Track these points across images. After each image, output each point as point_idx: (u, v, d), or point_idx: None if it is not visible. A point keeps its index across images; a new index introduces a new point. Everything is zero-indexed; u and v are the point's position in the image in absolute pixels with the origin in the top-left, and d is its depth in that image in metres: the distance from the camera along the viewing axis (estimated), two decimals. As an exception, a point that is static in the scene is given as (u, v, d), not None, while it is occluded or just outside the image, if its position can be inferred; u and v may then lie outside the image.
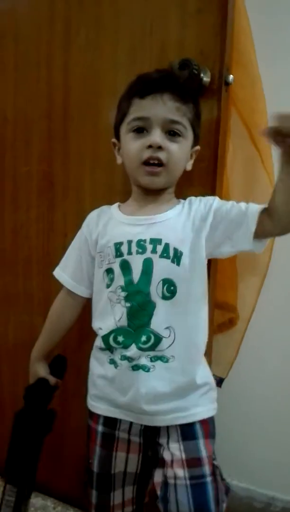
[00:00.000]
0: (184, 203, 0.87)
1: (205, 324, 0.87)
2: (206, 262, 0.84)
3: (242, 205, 0.81)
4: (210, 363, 1.11)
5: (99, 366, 0.87)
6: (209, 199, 0.85)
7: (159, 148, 0.79)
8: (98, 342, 0.87)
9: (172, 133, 0.80)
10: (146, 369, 0.80)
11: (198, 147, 0.88)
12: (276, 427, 1.19)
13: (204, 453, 0.81)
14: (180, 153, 0.81)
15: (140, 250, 0.81)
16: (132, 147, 0.81)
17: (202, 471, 0.79)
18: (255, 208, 0.79)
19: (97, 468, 0.88)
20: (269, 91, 1.03)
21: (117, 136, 0.88)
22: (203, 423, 0.84)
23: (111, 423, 0.87)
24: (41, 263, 1.23)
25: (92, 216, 0.94)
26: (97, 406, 0.88)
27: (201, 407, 0.84)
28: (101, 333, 0.85)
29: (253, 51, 1.00)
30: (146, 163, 0.80)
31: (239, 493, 1.23)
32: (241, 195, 1.06)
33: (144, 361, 0.80)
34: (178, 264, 0.80)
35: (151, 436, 0.85)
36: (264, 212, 0.78)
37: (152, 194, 0.86)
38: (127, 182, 1.06)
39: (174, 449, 0.81)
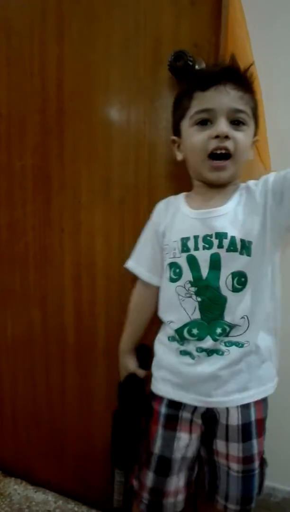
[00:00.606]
0: (241, 190, 0.84)
1: (277, 306, 0.88)
2: (281, 239, 0.82)
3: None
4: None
5: (169, 354, 0.88)
6: (263, 177, 0.82)
7: (226, 137, 0.78)
8: (170, 332, 0.87)
9: (236, 123, 0.79)
10: (220, 352, 0.82)
11: (257, 137, 0.87)
12: (275, 418, 1.19)
13: (256, 451, 0.87)
14: (246, 141, 0.81)
15: (206, 246, 0.81)
16: (197, 138, 0.80)
17: (252, 466, 0.87)
18: None
19: (159, 450, 0.88)
20: (264, 81, 1.03)
21: (177, 133, 0.87)
22: (259, 422, 0.87)
23: (175, 404, 0.88)
24: (37, 258, 1.23)
25: (160, 207, 0.93)
26: (162, 388, 0.89)
27: (256, 390, 0.86)
28: (174, 326, 0.86)
29: (248, 42, 1.00)
30: (212, 155, 0.79)
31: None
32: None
33: (218, 346, 0.82)
34: (248, 254, 0.79)
35: (210, 423, 0.88)
36: None
37: (216, 188, 0.84)
38: (124, 175, 1.07)
39: (232, 447, 0.86)
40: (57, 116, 1.14)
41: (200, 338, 0.82)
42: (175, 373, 0.87)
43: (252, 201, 0.81)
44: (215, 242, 0.80)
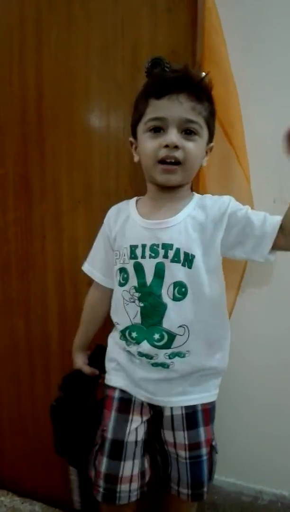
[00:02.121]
0: (197, 203, 0.87)
1: (223, 320, 0.92)
2: (221, 262, 0.87)
3: (260, 216, 0.81)
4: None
5: (119, 350, 0.94)
6: (224, 201, 0.85)
7: (176, 147, 0.80)
8: (117, 333, 0.93)
9: (188, 132, 0.82)
10: (165, 365, 0.86)
11: (212, 144, 0.89)
12: (261, 421, 1.20)
13: (203, 438, 0.91)
14: (196, 151, 0.83)
15: (152, 255, 0.84)
16: (149, 146, 0.83)
17: (200, 452, 0.91)
18: (273, 225, 0.80)
19: (112, 434, 0.91)
20: (241, 86, 1.04)
21: (134, 135, 0.89)
22: (205, 410, 0.92)
23: (127, 392, 0.93)
24: (20, 266, 1.22)
25: (111, 213, 0.97)
26: (113, 379, 0.94)
27: (202, 395, 0.92)
28: (119, 327, 0.92)
29: (224, 49, 1.00)
30: (162, 161, 0.82)
31: (227, 488, 1.24)
32: (218, 190, 1.06)
33: (162, 359, 0.86)
34: (189, 267, 0.83)
35: (157, 413, 0.93)
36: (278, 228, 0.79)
37: (168, 191, 0.87)
38: (105, 182, 1.07)
39: (178, 436, 0.91)
40: (37, 124, 1.14)
41: (138, 342, 0.87)
42: (123, 368, 0.92)
43: (206, 220, 0.84)
44: (161, 252, 0.84)
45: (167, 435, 0.93)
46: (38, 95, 1.13)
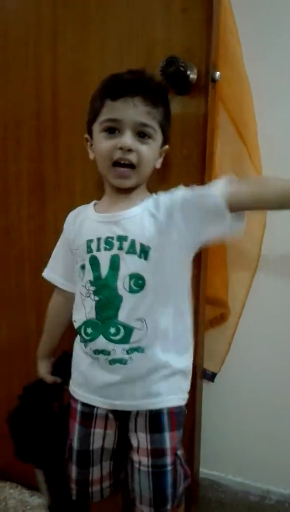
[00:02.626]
0: (154, 199, 0.87)
1: (185, 316, 0.89)
2: (187, 254, 0.87)
3: (206, 188, 0.83)
4: (202, 358, 1.13)
5: (80, 355, 0.92)
6: (176, 192, 0.85)
7: (129, 150, 0.82)
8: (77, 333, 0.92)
9: (142, 135, 0.83)
10: (123, 361, 0.84)
11: (167, 147, 0.91)
12: (269, 421, 1.20)
13: (168, 445, 0.87)
14: (150, 154, 0.85)
15: (107, 247, 0.85)
16: (103, 146, 0.84)
17: (163, 461, 0.86)
18: (219, 188, 0.79)
19: (77, 445, 0.92)
20: (255, 88, 1.04)
21: (90, 132, 0.90)
22: (171, 414, 0.87)
23: (89, 404, 0.91)
24: (33, 262, 1.24)
25: (70, 216, 0.98)
26: (75, 391, 0.93)
27: (169, 397, 0.88)
28: (76, 325, 0.90)
29: (239, 48, 1.01)
30: (117, 163, 0.83)
31: (234, 488, 1.24)
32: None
33: (120, 354, 0.84)
34: (145, 258, 0.83)
35: (123, 419, 0.90)
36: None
37: (123, 192, 0.88)
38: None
39: (141, 438, 0.88)
40: (52, 121, 1.16)
41: (93, 338, 0.85)
42: (83, 376, 0.91)
43: (159, 213, 0.84)
44: (116, 244, 0.84)
45: (133, 439, 0.89)
46: (53, 94, 1.15)
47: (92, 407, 0.90)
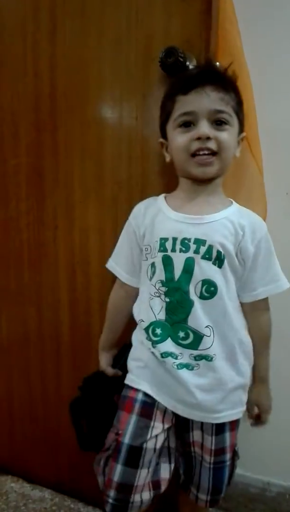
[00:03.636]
0: (237, 210, 0.87)
1: (244, 330, 0.89)
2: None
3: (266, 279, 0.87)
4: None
5: (145, 350, 0.88)
6: (261, 240, 0.86)
7: (208, 138, 0.80)
8: (143, 332, 0.88)
9: (219, 123, 0.81)
10: (189, 367, 0.83)
11: (244, 134, 0.88)
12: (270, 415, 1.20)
13: (228, 443, 0.90)
14: (229, 140, 0.82)
15: (183, 249, 0.82)
16: (180, 140, 0.82)
17: (224, 458, 0.90)
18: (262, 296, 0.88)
19: (130, 439, 0.84)
20: (255, 78, 1.03)
21: (164, 135, 0.88)
22: (233, 421, 0.89)
23: (151, 396, 0.88)
24: (32, 256, 1.23)
25: (139, 208, 0.93)
26: (134, 380, 0.90)
27: (229, 412, 0.88)
28: (143, 325, 0.87)
29: (238, 39, 1.00)
30: (195, 154, 0.81)
31: (235, 480, 1.24)
32: (231, 182, 1.06)
33: (187, 359, 0.83)
34: (219, 266, 0.82)
35: (184, 423, 0.90)
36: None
37: (203, 185, 0.86)
38: (117, 172, 1.07)
39: (206, 439, 0.89)
40: (50, 114, 1.15)
41: (162, 339, 0.84)
42: (150, 368, 0.87)
43: (239, 230, 0.84)
44: (193, 246, 0.82)
45: (196, 435, 0.90)
46: (51, 85, 1.14)
47: (154, 399, 0.87)
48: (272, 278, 0.87)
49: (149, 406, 0.87)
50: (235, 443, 0.93)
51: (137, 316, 0.91)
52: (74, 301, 1.18)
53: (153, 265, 0.86)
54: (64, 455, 1.28)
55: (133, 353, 0.93)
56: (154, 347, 0.85)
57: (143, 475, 0.85)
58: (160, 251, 0.84)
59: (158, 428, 0.87)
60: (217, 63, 0.94)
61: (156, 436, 0.86)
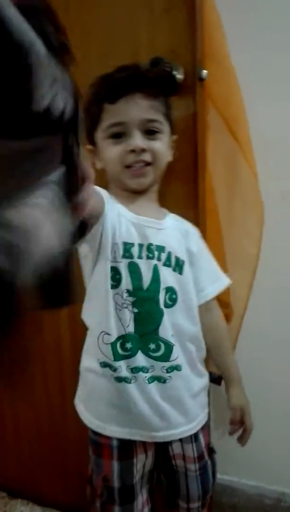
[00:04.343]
0: (175, 219, 0.88)
1: (200, 331, 0.87)
2: None
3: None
4: (207, 361, 1.11)
5: (103, 384, 0.80)
6: (199, 240, 0.89)
7: (143, 150, 0.78)
8: (100, 356, 0.80)
9: (150, 132, 0.79)
10: (162, 380, 0.79)
11: (175, 136, 0.87)
12: (281, 422, 1.18)
13: (204, 445, 0.88)
14: (163, 148, 0.81)
15: (150, 255, 0.79)
16: (113, 153, 0.79)
17: (205, 460, 0.88)
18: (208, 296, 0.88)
19: (118, 482, 0.82)
20: (244, 83, 1.03)
21: (91, 141, 0.84)
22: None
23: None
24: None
25: (109, 196, 0.82)
26: (106, 427, 0.82)
27: (201, 416, 0.87)
28: (109, 339, 0.78)
29: (224, 45, 0.99)
30: (129, 166, 0.79)
31: (248, 491, 1.22)
32: (224, 188, 1.05)
33: (159, 372, 0.79)
34: (180, 272, 0.82)
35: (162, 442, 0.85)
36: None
37: (138, 194, 0.84)
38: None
39: (187, 450, 0.86)
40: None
41: (132, 354, 0.78)
42: (115, 407, 0.80)
43: (185, 234, 0.86)
44: (156, 253, 0.80)
45: (176, 448, 0.86)
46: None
47: (130, 439, 0.82)
48: (217, 276, 0.89)
49: (127, 448, 0.82)
50: (209, 441, 0.91)
51: (96, 327, 0.81)
52: (73, 317, 1.17)
53: (114, 270, 0.78)
54: (73, 475, 1.26)
55: (87, 390, 0.85)
56: (117, 361, 0.78)
57: (140, 501, 0.85)
58: (124, 257, 0.78)
59: (141, 459, 0.84)
60: (205, 70, 0.94)
61: (143, 465, 0.84)
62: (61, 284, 0.38)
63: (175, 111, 0.94)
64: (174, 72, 0.91)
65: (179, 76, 0.92)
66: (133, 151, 0.77)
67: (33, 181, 0.24)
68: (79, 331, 1.16)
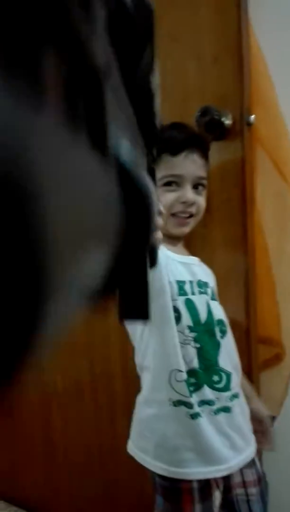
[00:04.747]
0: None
1: None
2: None
3: None
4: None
5: (177, 427, 0.80)
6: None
7: (192, 203, 0.85)
8: (172, 395, 0.80)
9: (197, 187, 0.87)
10: (227, 410, 0.82)
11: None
12: None
13: (259, 467, 0.89)
14: (204, 203, 0.88)
15: (202, 290, 0.85)
16: (165, 199, 0.85)
17: (263, 483, 0.89)
18: None
19: None
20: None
21: None
22: None
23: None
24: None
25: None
26: (188, 472, 0.80)
27: (253, 438, 0.88)
28: (182, 376, 0.79)
29: (272, 90, 1.02)
30: (175, 214, 0.86)
31: None
32: (274, 227, 1.06)
33: (224, 403, 0.81)
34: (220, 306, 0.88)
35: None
36: None
37: (178, 239, 0.91)
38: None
39: (247, 475, 0.86)
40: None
41: (199, 388, 0.80)
42: (192, 449, 0.79)
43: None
44: (204, 289, 0.86)
45: (236, 476, 0.85)
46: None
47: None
48: None
49: (206, 488, 0.81)
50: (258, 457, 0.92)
51: (164, 367, 0.82)
52: (125, 353, 1.20)
53: (173, 308, 0.81)
54: (124, 509, 1.26)
55: (156, 440, 0.83)
56: (188, 397, 0.79)
57: None
58: (180, 294, 0.83)
59: (218, 497, 0.82)
60: (252, 116, 0.97)
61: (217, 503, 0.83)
62: (141, 295, 0.39)
63: (224, 154, 0.98)
64: (223, 119, 0.95)
65: (227, 122, 0.96)
66: (184, 202, 0.84)
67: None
68: (130, 365, 1.19)
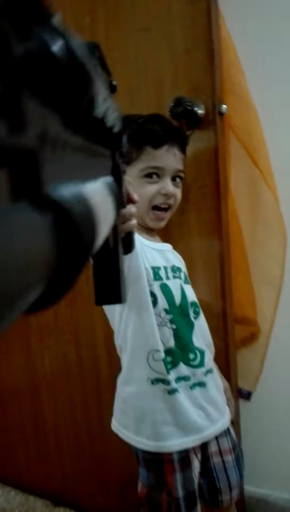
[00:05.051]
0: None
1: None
2: None
3: None
4: (236, 377, 1.16)
5: (156, 401, 0.85)
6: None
7: (171, 195, 0.89)
8: (150, 374, 0.85)
9: (175, 180, 0.90)
10: (203, 384, 0.88)
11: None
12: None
13: (234, 436, 0.96)
14: (181, 195, 0.92)
15: (175, 275, 0.91)
16: (145, 191, 0.88)
17: (237, 450, 0.96)
18: None
19: (182, 490, 0.86)
20: (262, 113, 1.08)
21: None
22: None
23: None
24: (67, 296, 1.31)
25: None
26: (167, 445, 0.85)
27: (227, 409, 0.95)
28: (160, 356, 0.85)
29: (243, 79, 1.06)
30: (156, 207, 0.89)
31: (282, 504, 1.24)
32: (248, 212, 1.11)
33: (199, 378, 0.88)
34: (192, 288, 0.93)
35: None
36: None
37: (153, 230, 0.95)
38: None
39: (223, 443, 0.93)
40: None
41: (175, 365, 0.86)
42: (170, 423, 0.85)
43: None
44: (177, 273, 0.91)
45: (212, 445, 0.91)
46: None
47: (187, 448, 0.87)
48: None
49: (185, 457, 0.86)
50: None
51: (143, 347, 0.86)
52: (109, 337, 1.24)
53: (150, 293, 0.86)
54: (113, 485, 1.32)
55: (135, 416, 0.88)
56: (167, 374, 0.84)
57: (198, 506, 0.89)
58: (155, 279, 0.87)
59: (197, 465, 0.88)
60: (224, 105, 1.00)
61: (198, 468, 0.89)
62: (114, 281, 0.44)
63: (198, 143, 1.02)
64: (196, 108, 0.98)
65: (200, 111, 0.99)
66: (165, 194, 0.88)
67: (91, 177, 0.25)
68: (114, 349, 1.24)
